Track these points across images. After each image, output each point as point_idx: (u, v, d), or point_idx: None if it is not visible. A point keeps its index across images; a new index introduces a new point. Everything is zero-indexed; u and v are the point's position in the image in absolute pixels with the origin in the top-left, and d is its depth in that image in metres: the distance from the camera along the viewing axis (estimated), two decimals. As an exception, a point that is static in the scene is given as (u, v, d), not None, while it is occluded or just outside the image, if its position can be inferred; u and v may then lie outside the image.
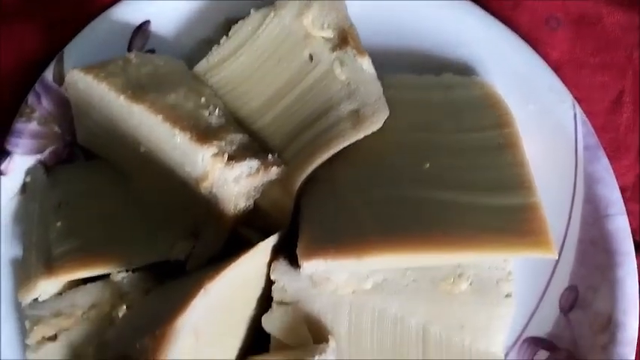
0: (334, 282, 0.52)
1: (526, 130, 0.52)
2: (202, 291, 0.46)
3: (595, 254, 0.53)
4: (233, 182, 0.52)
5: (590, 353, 0.53)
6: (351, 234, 0.50)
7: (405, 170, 0.51)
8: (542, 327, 0.56)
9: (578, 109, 0.53)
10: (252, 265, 0.53)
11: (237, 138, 0.54)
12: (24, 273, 0.61)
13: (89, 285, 0.61)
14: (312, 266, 0.50)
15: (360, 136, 0.52)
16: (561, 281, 0.55)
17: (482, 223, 0.47)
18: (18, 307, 0.65)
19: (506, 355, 0.56)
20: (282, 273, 0.54)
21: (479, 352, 0.52)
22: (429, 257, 0.48)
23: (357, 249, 0.48)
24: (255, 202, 0.55)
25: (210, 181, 0.52)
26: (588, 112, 0.54)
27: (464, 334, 0.52)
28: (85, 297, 0.60)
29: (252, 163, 0.52)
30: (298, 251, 0.50)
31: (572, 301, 0.54)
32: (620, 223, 0.52)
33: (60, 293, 0.61)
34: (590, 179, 0.53)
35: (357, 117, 0.52)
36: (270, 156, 0.54)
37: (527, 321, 0.56)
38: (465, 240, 0.47)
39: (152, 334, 0.43)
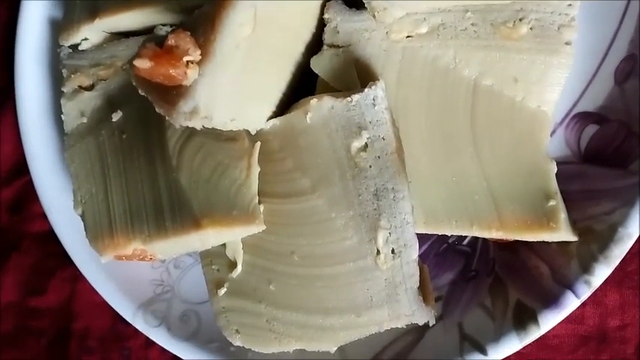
0: (392, 14, 0.50)
1: None
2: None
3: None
4: None
5: (644, 119, 0.52)
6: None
7: None
8: (593, 101, 0.54)
9: None
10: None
11: None
12: (67, 19, 0.60)
13: (131, 38, 0.59)
14: (374, -17, 0.48)
15: None
16: (619, 51, 0.53)
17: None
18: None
19: (553, 132, 0.55)
20: (336, 12, 0.53)
21: (529, 111, 0.51)
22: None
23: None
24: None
25: None
26: None
27: (517, 89, 0.51)
28: (126, 49, 0.59)
29: None
30: None
31: (628, 71, 0.53)
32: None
33: (101, 45, 0.60)
34: None
35: None
36: None
37: (578, 96, 0.54)
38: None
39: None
